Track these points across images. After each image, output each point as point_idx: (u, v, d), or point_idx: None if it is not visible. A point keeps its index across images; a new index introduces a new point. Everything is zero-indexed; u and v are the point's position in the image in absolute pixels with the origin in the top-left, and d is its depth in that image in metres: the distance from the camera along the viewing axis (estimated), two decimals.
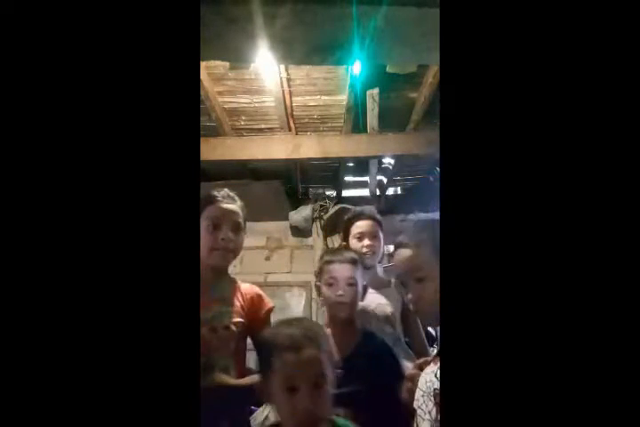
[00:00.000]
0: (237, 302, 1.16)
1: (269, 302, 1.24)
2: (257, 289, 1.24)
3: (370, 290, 1.51)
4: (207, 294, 1.10)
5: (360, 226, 1.58)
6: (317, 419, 0.78)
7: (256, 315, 1.19)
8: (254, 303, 1.20)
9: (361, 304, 1.45)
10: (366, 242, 1.54)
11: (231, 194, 1.20)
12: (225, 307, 1.12)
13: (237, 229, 1.16)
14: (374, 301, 1.49)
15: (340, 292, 1.25)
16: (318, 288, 1.35)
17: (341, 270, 1.27)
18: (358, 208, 1.75)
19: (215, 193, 1.17)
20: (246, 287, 1.22)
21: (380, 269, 1.64)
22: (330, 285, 1.28)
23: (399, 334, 1.51)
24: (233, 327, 1.10)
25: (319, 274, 1.34)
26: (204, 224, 1.13)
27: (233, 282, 1.21)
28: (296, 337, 0.80)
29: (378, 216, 1.64)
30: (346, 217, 1.67)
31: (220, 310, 1.11)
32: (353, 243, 1.57)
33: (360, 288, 1.30)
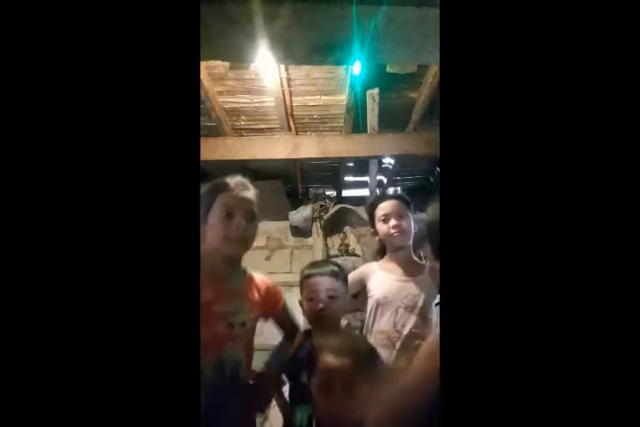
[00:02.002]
0: (253, 296, 1.12)
1: (282, 291, 1.22)
2: (267, 279, 1.20)
3: (402, 277, 1.45)
4: (222, 285, 1.05)
5: (383, 207, 1.49)
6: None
7: (275, 305, 1.17)
8: (270, 295, 1.16)
9: (389, 294, 1.42)
10: (392, 223, 1.45)
11: (244, 181, 1.12)
12: (241, 301, 1.08)
13: (251, 217, 1.08)
14: (405, 290, 1.42)
15: (321, 305, 1.18)
16: (301, 305, 1.27)
17: (321, 283, 1.21)
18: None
19: (228, 180, 1.10)
20: (260, 278, 1.18)
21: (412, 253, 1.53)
22: (310, 299, 1.21)
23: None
24: (249, 324, 1.07)
25: (300, 290, 1.27)
26: (216, 212, 1.06)
27: (246, 273, 1.16)
28: (337, 346, 0.96)
29: (403, 195, 1.57)
30: (369, 202, 1.59)
31: (237, 305, 1.06)
32: (379, 226, 1.49)
33: (343, 302, 1.23)
